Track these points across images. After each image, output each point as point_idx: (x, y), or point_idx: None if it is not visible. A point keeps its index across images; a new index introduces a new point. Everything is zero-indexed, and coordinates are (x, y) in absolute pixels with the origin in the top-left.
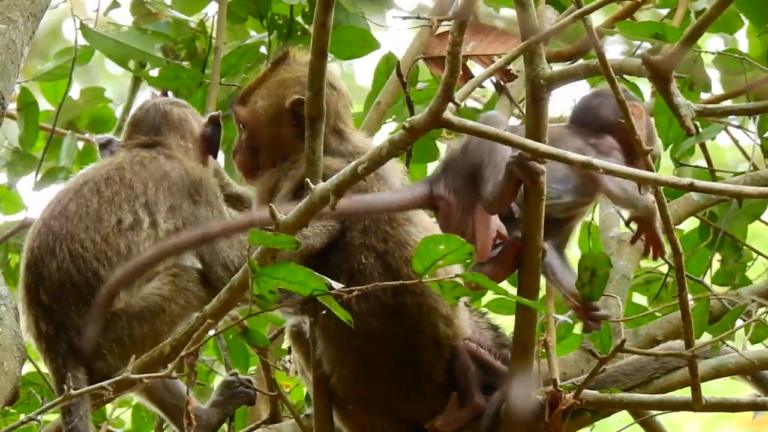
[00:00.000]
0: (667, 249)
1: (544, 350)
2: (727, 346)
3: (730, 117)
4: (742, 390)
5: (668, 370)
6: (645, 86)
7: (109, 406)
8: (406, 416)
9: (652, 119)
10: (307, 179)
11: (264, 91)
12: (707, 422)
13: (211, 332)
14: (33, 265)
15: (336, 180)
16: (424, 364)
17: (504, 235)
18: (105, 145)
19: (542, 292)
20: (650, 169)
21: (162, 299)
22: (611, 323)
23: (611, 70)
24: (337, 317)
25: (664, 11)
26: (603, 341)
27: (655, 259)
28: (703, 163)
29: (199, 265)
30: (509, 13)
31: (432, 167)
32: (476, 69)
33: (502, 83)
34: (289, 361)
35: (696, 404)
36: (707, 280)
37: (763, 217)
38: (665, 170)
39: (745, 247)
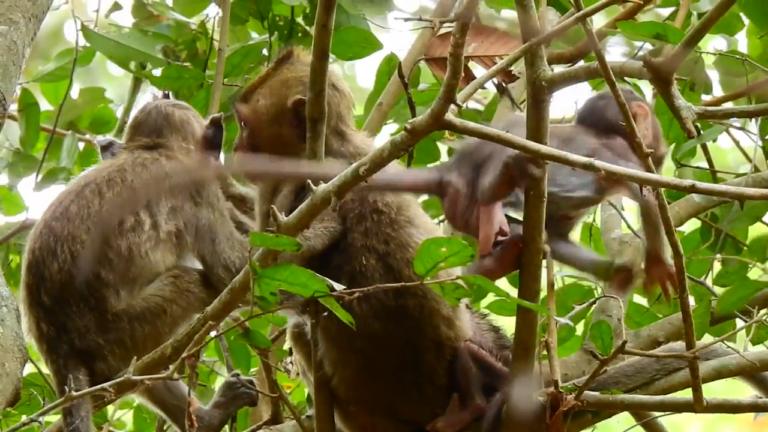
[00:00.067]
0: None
1: (545, 351)
2: (729, 347)
3: (731, 119)
4: (744, 391)
5: (669, 371)
6: (646, 87)
7: (110, 408)
8: (408, 417)
9: None
10: (309, 181)
11: (266, 90)
12: (709, 423)
13: (213, 333)
14: (34, 266)
15: (337, 181)
16: (425, 365)
17: (506, 232)
18: (106, 147)
19: (543, 293)
20: (651, 171)
21: (163, 300)
22: (612, 324)
23: (611, 72)
24: (338, 319)
25: (666, 12)
26: (604, 342)
27: (667, 298)
28: (705, 165)
29: (200, 267)
30: (511, 14)
31: None
32: (478, 70)
33: (503, 85)
34: (291, 362)
35: (697, 405)
36: (709, 281)
37: (764, 219)
38: (666, 171)
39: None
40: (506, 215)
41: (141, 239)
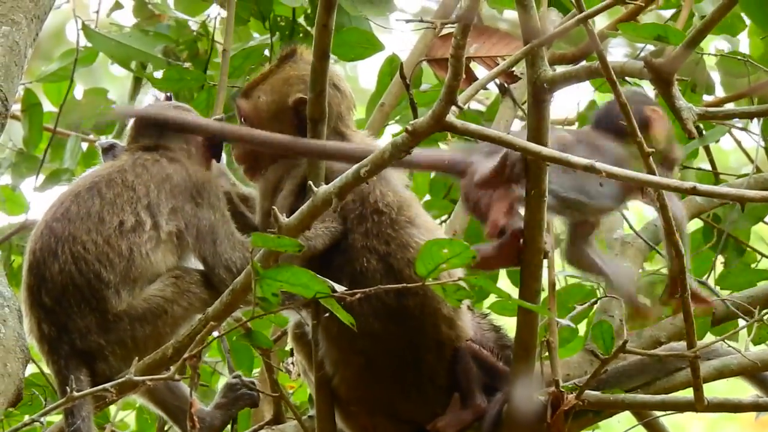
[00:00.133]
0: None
1: (546, 352)
2: (729, 346)
3: (733, 119)
4: (745, 391)
5: (671, 371)
6: (648, 88)
7: (112, 409)
8: (408, 417)
9: None
10: (310, 182)
11: (268, 87)
12: (711, 423)
13: (215, 334)
14: (35, 267)
15: (339, 183)
16: (426, 365)
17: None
18: (108, 150)
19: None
20: (652, 172)
21: (164, 301)
22: (614, 325)
23: (612, 72)
24: (339, 319)
25: (668, 14)
26: (605, 342)
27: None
28: (706, 166)
29: (202, 267)
30: (513, 15)
31: None
32: (479, 71)
33: (505, 85)
34: (292, 363)
35: (698, 405)
36: (711, 282)
37: (766, 219)
38: None
39: (748, 249)
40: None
41: (142, 239)
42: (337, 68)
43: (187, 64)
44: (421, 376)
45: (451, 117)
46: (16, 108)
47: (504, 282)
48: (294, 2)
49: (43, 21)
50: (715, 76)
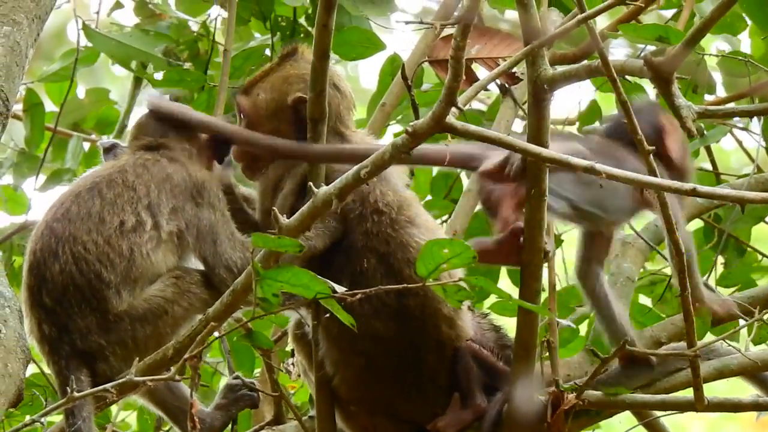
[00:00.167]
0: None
1: (547, 352)
2: (730, 346)
3: (734, 119)
4: (746, 391)
5: (671, 372)
6: (650, 88)
7: (114, 409)
8: (409, 417)
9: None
10: (310, 183)
11: (267, 85)
12: (712, 423)
13: (216, 335)
14: (35, 267)
15: (339, 184)
16: (426, 365)
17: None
18: (109, 150)
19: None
20: (653, 170)
21: (165, 301)
22: None
23: (613, 70)
24: (340, 320)
25: (669, 14)
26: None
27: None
28: (708, 166)
29: (202, 267)
30: (514, 15)
31: (436, 169)
32: (481, 72)
33: (506, 85)
34: (292, 363)
35: (698, 404)
36: (712, 282)
37: (767, 219)
38: None
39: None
40: None
41: (142, 239)
42: (337, 68)
43: (187, 65)
44: (421, 376)
45: (451, 118)
46: (17, 108)
47: (504, 282)
48: (295, 2)
49: (45, 21)
50: (717, 77)
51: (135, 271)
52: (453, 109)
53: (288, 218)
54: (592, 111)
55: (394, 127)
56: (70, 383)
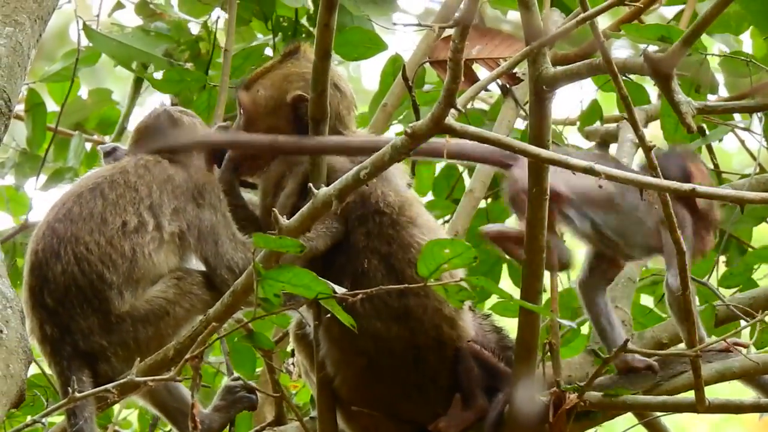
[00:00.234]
0: None
1: (548, 353)
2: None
3: (736, 120)
4: (747, 392)
5: (673, 375)
6: (652, 89)
7: (116, 408)
8: (410, 417)
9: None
10: (310, 184)
11: (268, 82)
12: (714, 424)
13: (218, 336)
14: (37, 267)
15: (339, 185)
16: (427, 365)
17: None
18: (109, 153)
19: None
20: (653, 167)
21: (166, 302)
22: None
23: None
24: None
25: (670, 14)
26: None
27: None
28: (710, 166)
29: (204, 268)
30: (516, 16)
31: (438, 168)
32: (482, 72)
33: (507, 86)
34: (293, 363)
35: (699, 406)
36: (713, 282)
37: None
38: None
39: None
40: None
41: (144, 240)
42: (339, 69)
43: (188, 65)
44: (422, 377)
45: (450, 119)
46: (19, 108)
47: (506, 282)
48: (296, 2)
49: (47, 22)
50: (719, 78)
51: (137, 271)
52: (452, 110)
53: (289, 219)
54: (593, 111)
55: (396, 128)
56: (72, 384)
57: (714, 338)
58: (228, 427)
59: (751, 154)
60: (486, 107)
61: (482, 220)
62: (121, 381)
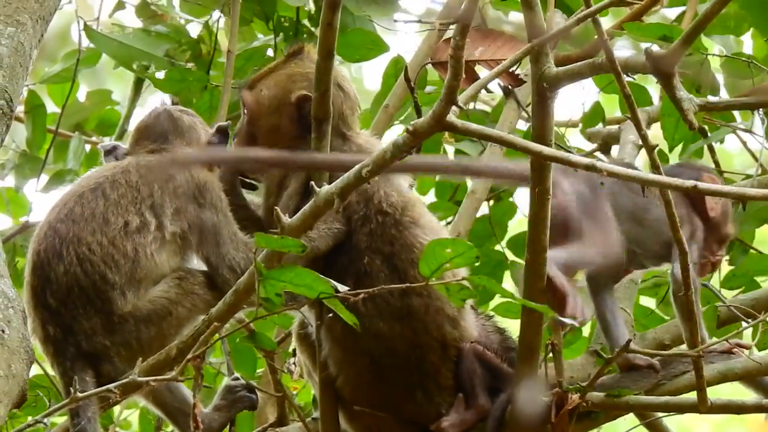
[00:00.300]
0: None
1: (550, 354)
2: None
3: (737, 120)
4: (750, 393)
5: (675, 375)
6: (653, 90)
7: (116, 408)
8: (412, 417)
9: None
10: (312, 183)
11: (271, 81)
12: (717, 425)
13: (219, 336)
14: (39, 268)
15: (340, 183)
16: (430, 365)
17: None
18: (110, 152)
19: None
20: (656, 167)
21: (169, 302)
22: None
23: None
24: (343, 319)
25: (672, 15)
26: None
27: None
28: (711, 166)
29: (205, 268)
30: (518, 17)
31: None
32: (484, 74)
33: (509, 87)
34: (294, 363)
35: (701, 406)
36: (716, 283)
37: None
38: None
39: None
40: None
41: (147, 240)
42: (342, 69)
43: (189, 65)
44: (424, 377)
45: (452, 117)
46: (19, 110)
47: (508, 285)
48: (297, 2)
49: (48, 22)
50: (720, 79)
51: (139, 272)
52: (454, 108)
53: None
54: (596, 113)
55: (397, 129)
56: (74, 383)
57: (715, 339)
58: (228, 426)
59: (753, 155)
60: (488, 109)
61: (484, 222)
62: (124, 381)
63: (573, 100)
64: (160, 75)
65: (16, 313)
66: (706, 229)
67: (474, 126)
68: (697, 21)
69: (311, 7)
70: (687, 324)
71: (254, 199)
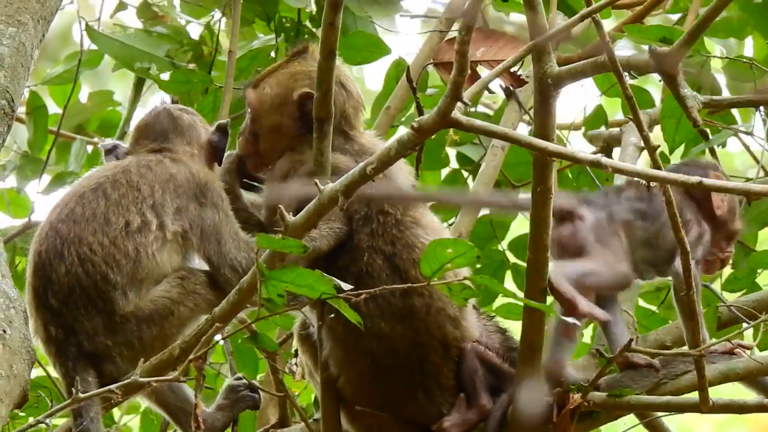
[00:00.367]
0: None
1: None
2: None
3: (739, 123)
4: (751, 394)
5: (676, 375)
6: (655, 90)
7: (117, 413)
8: (414, 417)
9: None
10: (316, 180)
11: (274, 80)
12: (719, 424)
13: (221, 337)
14: (41, 268)
15: (345, 181)
16: (431, 365)
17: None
18: (110, 151)
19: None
20: (658, 167)
21: (170, 302)
22: None
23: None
24: (344, 319)
25: (674, 19)
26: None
27: None
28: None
29: (207, 268)
30: (520, 18)
31: (443, 174)
32: (485, 74)
33: (511, 89)
34: (296, 364)
35: (703, 406)
36: (717, 286)
37: None
38: None
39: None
40: None
41: (148, 240)
42: (345, 68)
43: (191, 65)
44: (426, 376)
45: (457, 113)
46: (21, 110)
47: (509, 286)
48: (298, 3)
49: (50, 22)
50: (722, 80)
51: (141, 271)
52: (459, 105)
53: (295, 216)
54: (598, 116)
55: (399, 130)
56: (76, 384)
57: (717, 340)
58: (231, 426)
59: (754, 157)
60: (490, 112)
61: (486, 224)
62: (126, 381)
63: (575, 103)
64: (164, 77)
65: (17, 314)
66: (713, 228)
67: (479, 122)
68: (699, 20)
69: (312, 8)
70: (689, 324)
71: (255, 198)
